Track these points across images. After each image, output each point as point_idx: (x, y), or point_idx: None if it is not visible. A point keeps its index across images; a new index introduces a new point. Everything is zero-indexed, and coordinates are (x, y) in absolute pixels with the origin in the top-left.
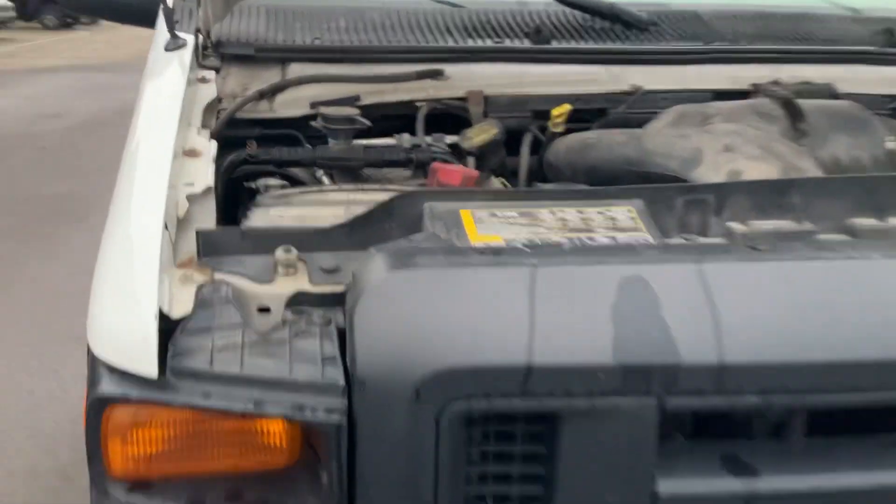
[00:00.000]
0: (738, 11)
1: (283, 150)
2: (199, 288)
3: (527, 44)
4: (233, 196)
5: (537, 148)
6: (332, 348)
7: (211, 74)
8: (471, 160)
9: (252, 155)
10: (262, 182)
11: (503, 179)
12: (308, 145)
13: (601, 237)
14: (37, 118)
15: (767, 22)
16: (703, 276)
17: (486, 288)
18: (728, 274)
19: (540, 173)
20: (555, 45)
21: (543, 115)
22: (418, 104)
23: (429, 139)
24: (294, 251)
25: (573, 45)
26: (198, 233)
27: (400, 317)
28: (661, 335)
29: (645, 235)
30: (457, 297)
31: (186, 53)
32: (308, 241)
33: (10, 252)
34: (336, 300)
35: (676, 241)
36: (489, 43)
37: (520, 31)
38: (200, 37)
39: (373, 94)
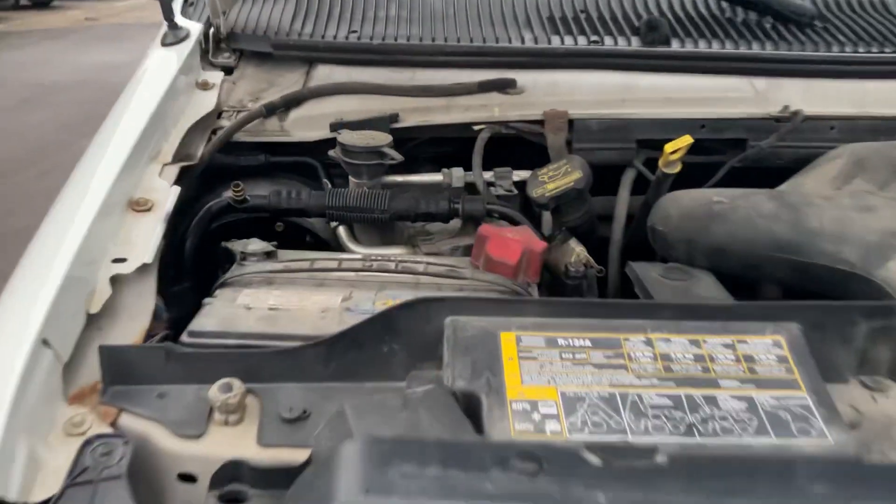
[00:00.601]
0: None
1: (282, 194)
2: (82, 448)
3: (635, 44)
4: (214, 259)
5: (642, 187)
6: None
7: (218, 77)
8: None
9: (238, 200)
10: (240, 245)
11: (586, 253)
12: (326, 180)
13: (729, 398)
14: None
15: None
16: None
17: None
18: None
19: (643, 223)
20: (675, 47)
21: (653, 146)
22: (477, 127)
23: (489, 175)
24: (239, 388)
25: (701, 47)
26: (101, 351)
27: None
28: None
29: (803, 396)
30: None
31: (187, 49)
32: (268, 365)
33: None
34: (294, 478)
35: (857, 395)
36: (582, 43)
37: (626, 27)
38: (213, 27)
39: (417, 113)
